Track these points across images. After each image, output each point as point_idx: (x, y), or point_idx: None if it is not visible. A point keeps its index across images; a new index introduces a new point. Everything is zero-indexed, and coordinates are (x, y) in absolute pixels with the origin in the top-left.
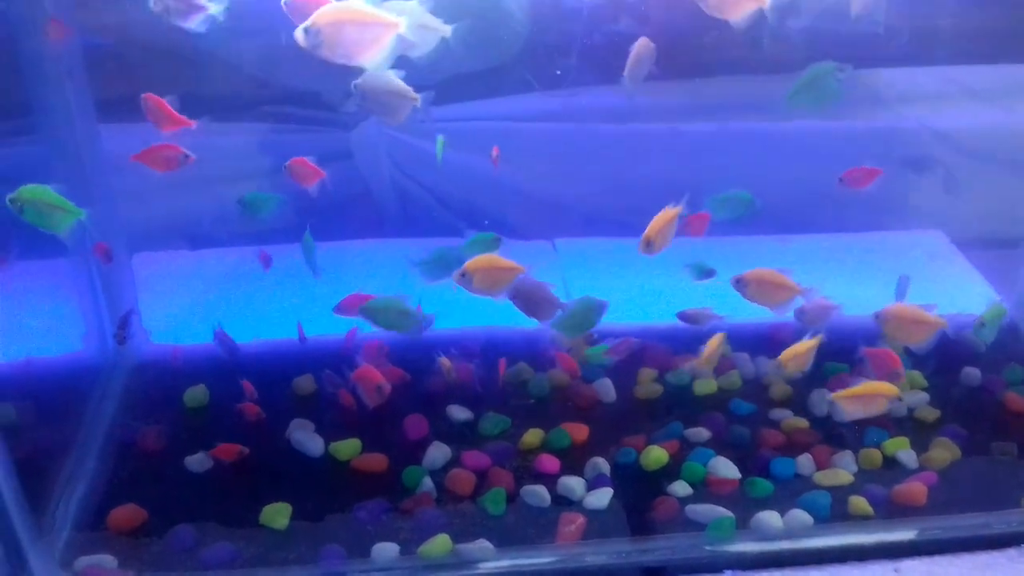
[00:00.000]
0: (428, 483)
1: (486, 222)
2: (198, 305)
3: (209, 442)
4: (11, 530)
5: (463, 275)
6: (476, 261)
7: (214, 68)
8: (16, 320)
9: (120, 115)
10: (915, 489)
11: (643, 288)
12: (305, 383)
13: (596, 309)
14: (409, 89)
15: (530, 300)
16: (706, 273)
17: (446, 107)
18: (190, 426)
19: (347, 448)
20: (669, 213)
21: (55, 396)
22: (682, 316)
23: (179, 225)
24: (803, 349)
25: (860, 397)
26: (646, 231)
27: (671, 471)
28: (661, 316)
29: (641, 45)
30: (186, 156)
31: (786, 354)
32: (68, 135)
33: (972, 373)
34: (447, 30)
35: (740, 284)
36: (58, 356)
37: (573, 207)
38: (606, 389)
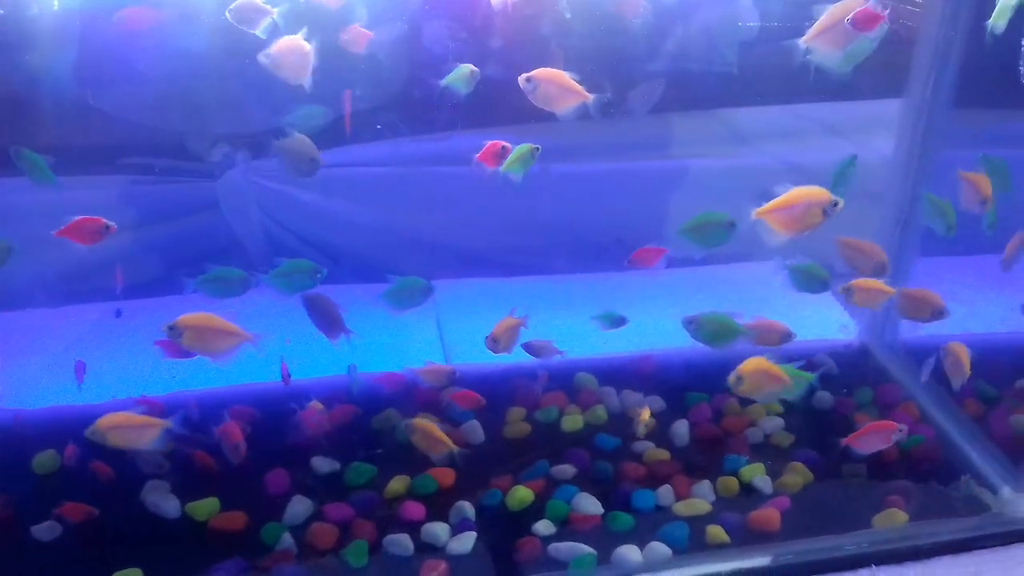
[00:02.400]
0: (288, 539)
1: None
2: (52, 365)
3: (56, 510)
4: None
5: (172, 328)
6: (190, 317)
7: (74, 118)
8: None
9: None
10: (769, 515)
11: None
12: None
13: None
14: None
15: (323, 315)
16: (616, 321)
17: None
18: (40, 493)
19: (204, 507)
20: (512, 321)
21: None
22: (526, 347)
23: (38, 282)
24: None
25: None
26: (493, 331)
27: (536, 510)
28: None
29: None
30: (107, 227)
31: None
32: None
33: (824, 397)
34: None
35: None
36: None
37: (449, 248)
38: (474, 430)
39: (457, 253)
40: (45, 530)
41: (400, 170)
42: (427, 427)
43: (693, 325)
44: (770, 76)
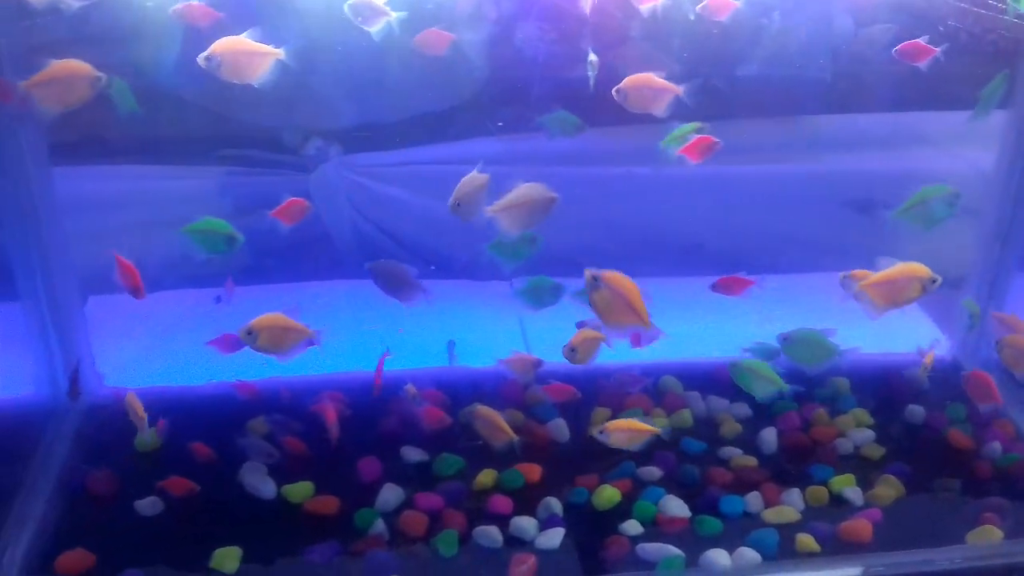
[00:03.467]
0: (380, 525)
1: (432, 267)
2: (152, 348)
3: (158, 485)
4: None
5: (248, 332)
6: (263, 319)
7: (171, 110)
8: None
9: (74, 158)
10: (860, 526)
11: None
12: (258, 425)
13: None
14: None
15: (391, 280)
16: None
17: (406, 150)
18: (141, 469)
19: (299, 491)
20: (591, 333)
21: (5, 438)
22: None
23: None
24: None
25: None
26: (571, 341)
27: (623, 510)
28: (614, 356)
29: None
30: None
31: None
32: (21, 179)
33: (916, 411)
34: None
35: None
36: (10, 398)
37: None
38: (560, 429)
39: (540, 253)
40: (148, 505)
41: (489, 169)
42: (489, 414)
43: (788, 343)
44: (864, 83)
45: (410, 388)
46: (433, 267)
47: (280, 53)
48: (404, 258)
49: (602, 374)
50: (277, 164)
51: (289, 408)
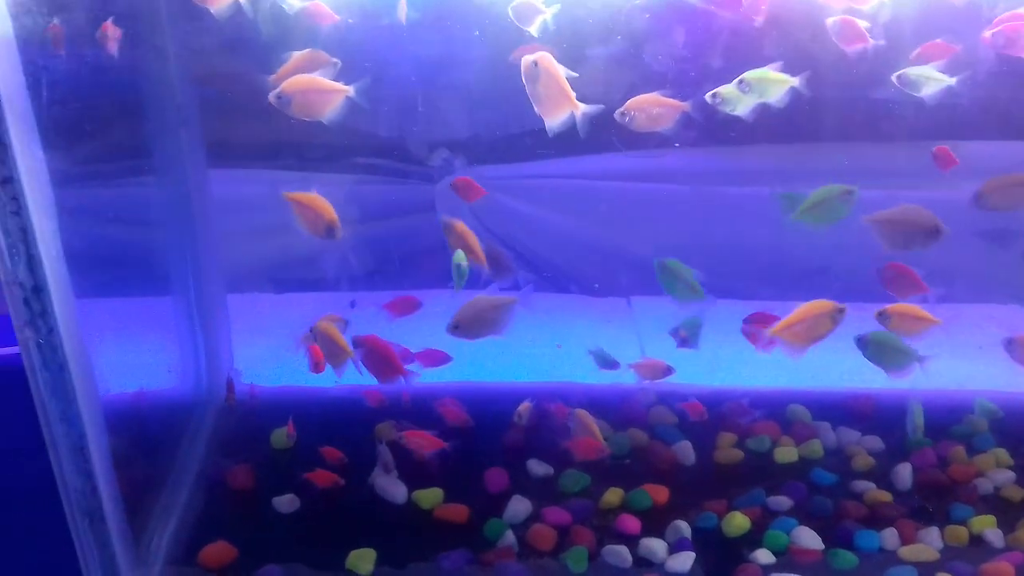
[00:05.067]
0: (510, 536)
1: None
2: (284, 347)
3: (294, 483)
4: (112, 561)
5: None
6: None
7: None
8: (125, 353)
9: (226, 161)
10: (1003, 569)
11: (716, 351)
12: (386, 430)
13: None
14: None
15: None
16: (608, 363)
17: (532, 163)
18: (277, 466)
19: (429, 497)
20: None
21: (155, 429)
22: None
23: (266, 268)
24: None
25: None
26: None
27: (753, 538)
28: (739, 379)
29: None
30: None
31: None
32: (180, 179)
33: None
34: None
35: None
36: (159, 390)
37: (650, 265)
38: (685, 452)
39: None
40: (285, 503)
41: (614, 185)
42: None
43: (864, 345)
44: (1003, 109)
45: (525, 406)
46: (597, 285)
47: (349, 90)
48: (525, 271)
49: (726, 398)
50: (404, 174)
51: (414, 413)
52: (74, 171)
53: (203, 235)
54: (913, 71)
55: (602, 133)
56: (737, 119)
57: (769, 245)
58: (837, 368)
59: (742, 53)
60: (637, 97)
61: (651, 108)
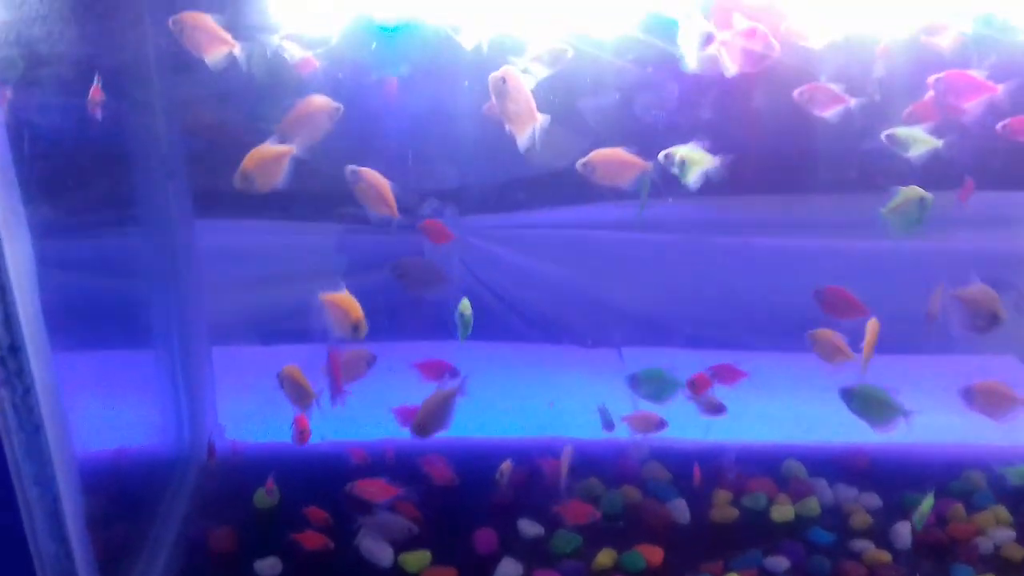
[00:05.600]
0: None
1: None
2: (270, 402)
3: (277, 545)
4: None
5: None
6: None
7: (299, 166)
8: (105, 410)
9: (213, 211)
10: None
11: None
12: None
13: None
14: None
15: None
16: (608, 424)
17: (523, 213)
18: (259, 527)
19: (416, 560)
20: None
21: (135, 489)
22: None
23: (254, 320)
24: None
25: None
26: None
27: None
28: (733, 434)
29: None
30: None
31: None
32: (166, 230)
33: None
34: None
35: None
36: (140, 448)
37: (641, 316)
38: (680, 510)
39: (647, 321)
40: (268, 567)
41: (605, 234)
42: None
43: (847, 396)
44: (997, 159)
45: (506, 466)
46: (590, 341)
47: (292, 150)
48: (512, 319)
49: (720, 453)
50: (394, 223)
51: (398, 469)
52: (56, 224)
53: (188, 287)
54: (901, 132)
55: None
56: (730, 168)
57: (761, 295)
58: (832, 421)
59: (733, 107)
60: (601, 150)
61: (613, 163)
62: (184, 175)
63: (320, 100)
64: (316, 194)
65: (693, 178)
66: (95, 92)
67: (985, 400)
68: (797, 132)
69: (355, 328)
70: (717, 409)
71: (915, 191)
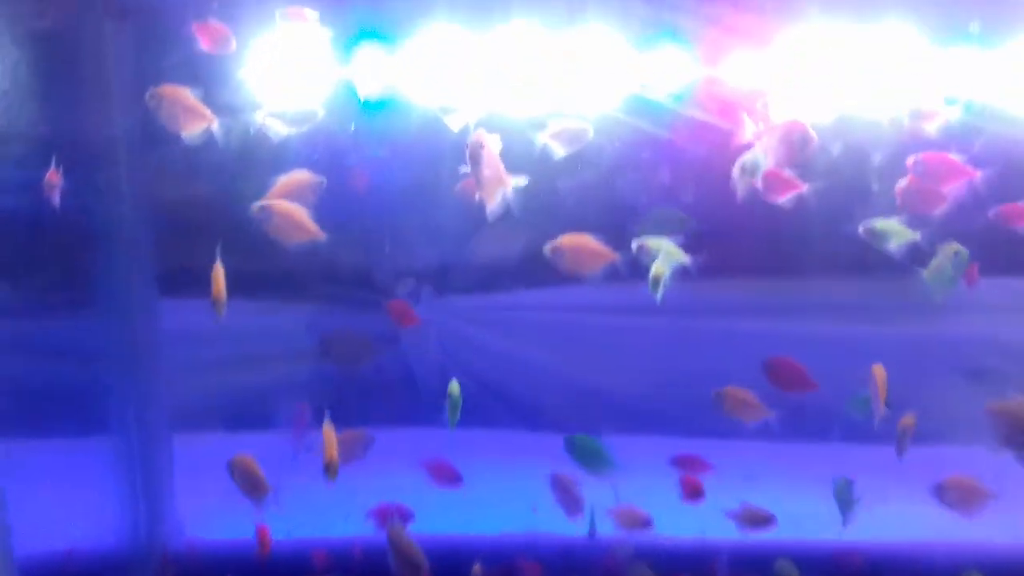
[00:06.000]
0: None
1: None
2: (233, 494)
3: None
4: None
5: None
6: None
7: (271, 245)
8: (53, 507)
9: (179, 290)
10: None
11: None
12: None
13: None
14: None
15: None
16: (592, 532)
17: (502, 294)
18: None
19: None
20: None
21: None
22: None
23: (219, 405)
24: None
25: None
26: None
27: None
28: (721, 529)
29: None
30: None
31: None
32: (126, 310)
33: None
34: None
35: None
36: (91, 548)
37: (623, 402)
38: None
39: (632, 408)
40: None
41: (583, 317)
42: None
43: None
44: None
45: (477, 569)
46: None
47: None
48: (492, 405)
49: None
50: (367, 304)
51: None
52: (7, 306)
53: (149, 371)
54: (880, 224)
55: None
56: (715, 251)
57: (743, 381)
58: (824, 517)
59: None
60: (570, 236)
61: (581, 250)
62: (149, 251)
63: (302, 175)
64: (289, 273)
65: (662, 283)
66: (52, 176)
67: (956, 495)
68: (784, 213)
69: (327, 468)
70: (763, 521)
71: (951, 247)
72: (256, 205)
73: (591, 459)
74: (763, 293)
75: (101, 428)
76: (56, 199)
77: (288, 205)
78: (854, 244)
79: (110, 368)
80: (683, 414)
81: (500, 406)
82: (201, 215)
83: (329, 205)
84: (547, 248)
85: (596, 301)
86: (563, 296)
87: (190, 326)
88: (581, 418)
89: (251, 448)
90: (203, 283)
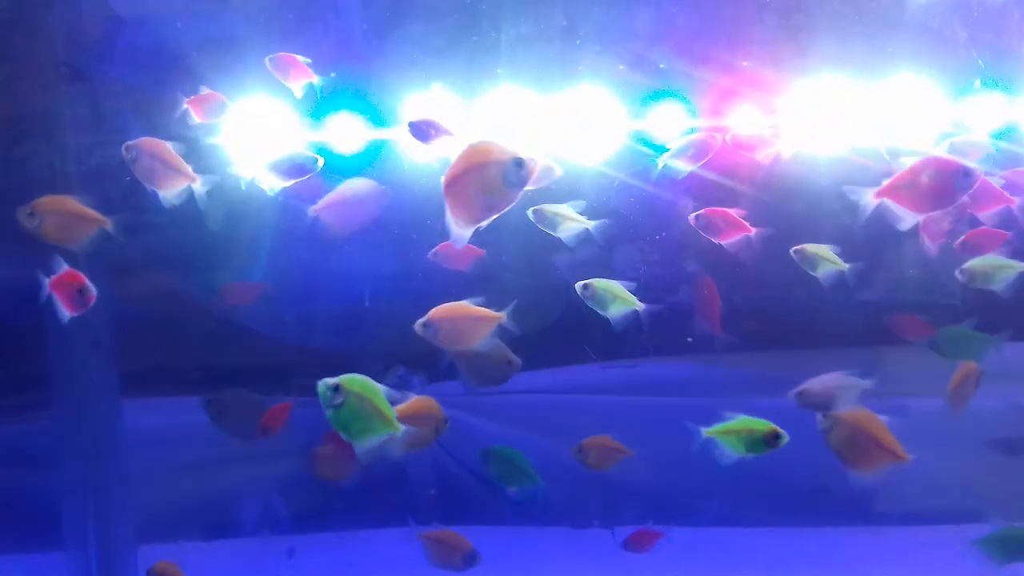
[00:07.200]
0: None
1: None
2: None
3: None
4: None
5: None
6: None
7: (244, 339)
8: None
9: (145, 388)
10: None
11: None
12: None
13: None
14: None
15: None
16: None
17: None
18: None
19: None
20: None
21: None
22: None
23: (192, 511)
24: None
25: None
26: None
27: None
28: None
29: None
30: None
31: None
32: (85, 410)
33: None
34: None
35: None
36: None
37: (634, 490)
38: None
39: (642, 495)
40: None
41: (581, 398)
42: None
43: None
44: (998, 310)
45: None
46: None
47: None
48: (489, 499)
49: None
50: None
51: None
52: None
53: (111, 475)
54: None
55: (573, 344)
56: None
57: (759, 462)
58: None
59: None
60: (444, 306)
61: (460, 320)
62: (111, 347)
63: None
64: (268, 364)
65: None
66: None
67: None
68: (798, 283)
69: None
70: None
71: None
72: (126, 144)
73: (510, 471)
74: (775, 366)
75: (55, 542)
76: None
77: (159, 143)
78: (866, 313)
79: (66, 474)
80: (696, 502)
81: (495, 498)
82: (168, 306)
83: (314, 291)
84: (417, 325)
85: (596, 381)
86: (562, 377)
87: (157, 426)
88: (587, 507)
89: (228, 557)
90: (170, 379)
